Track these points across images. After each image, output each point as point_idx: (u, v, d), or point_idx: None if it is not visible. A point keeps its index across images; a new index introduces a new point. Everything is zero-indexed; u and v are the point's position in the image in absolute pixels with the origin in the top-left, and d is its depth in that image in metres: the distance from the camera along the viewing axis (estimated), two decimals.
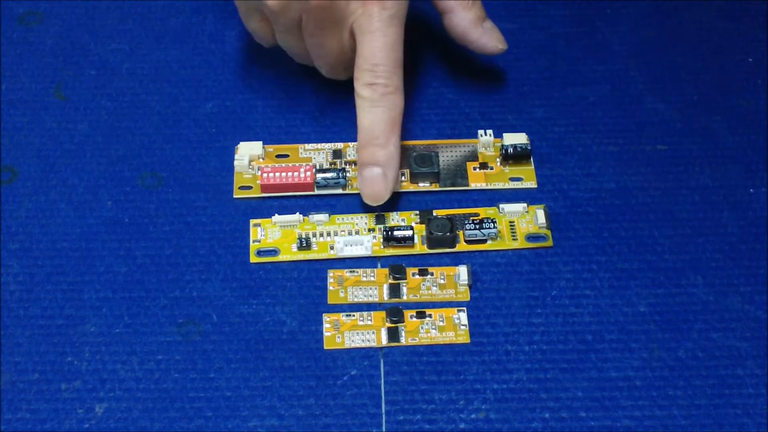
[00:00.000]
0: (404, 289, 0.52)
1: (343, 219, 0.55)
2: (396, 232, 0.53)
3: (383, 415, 0.49)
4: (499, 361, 0.50)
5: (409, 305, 0.52)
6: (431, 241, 0.54)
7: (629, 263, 0.53)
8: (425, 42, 0.62)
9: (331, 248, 0.54)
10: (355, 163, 0.56)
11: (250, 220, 0.55)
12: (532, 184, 0.56)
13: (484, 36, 0.57)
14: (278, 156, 0.57)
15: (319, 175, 0.55)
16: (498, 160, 0.57)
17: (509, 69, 0.60)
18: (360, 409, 0.49)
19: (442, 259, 0.54)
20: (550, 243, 0.54)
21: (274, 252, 0.54)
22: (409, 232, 0.53)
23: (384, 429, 0.48)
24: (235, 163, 0.56)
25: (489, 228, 0.53)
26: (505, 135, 0.57)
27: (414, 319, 0.51)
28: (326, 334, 0.51)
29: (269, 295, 0.52)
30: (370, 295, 0.52)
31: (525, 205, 0.55)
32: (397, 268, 0.53)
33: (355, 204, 0.55)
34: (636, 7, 0.63)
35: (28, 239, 0.54)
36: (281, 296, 0.52)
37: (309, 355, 0.50)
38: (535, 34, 0.62)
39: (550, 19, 0.63)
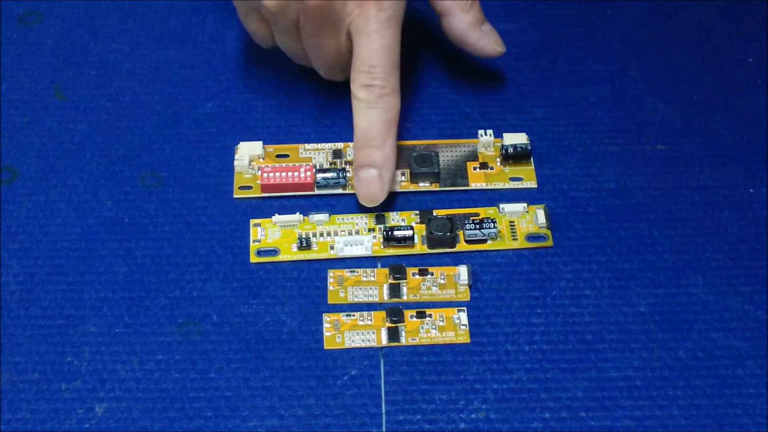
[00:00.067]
0: (404, 289, 0.52)
1: (343, 219, 0.55)
2: (396, 232, 0.53)
3: (383, 415, 0.49)
4: (499, 361, 0.50)
5: (409, 305, 0.52)
6: (431, 241, 0.54)
7: (629, 263, 0.53)
8: (425, 42, 0.62)
9: (331, 248, 0.54)
10: None
11: (250, 220, 0.55)
12: (532, 184, 0.56)
13: (483, 39, 0.57)
14: (278, 156, 0.57)
15: (319, 175, 0.55)
16: (498, 160, 0.57)
17: (509, 69, 0.60)
18: (360, 409, 0.49)
19: (442, 259, 0.54)
20: (550, 243, 0.54)
21: (274, 252, 0.54)
22: (409, 232, 0.53)
23: (384, 429, 0.48)
24: (235, 163, 0.56)
25: (489, 228, 0.53)
26: (505, 135, 0.57)
27: (414, 319, 0.51)
28: (326, 334, 0.51)
29: (269, 295, 0.52)
30: (370, 295, 0.52)
31: (525, 205, 0.55)
32: (397, 268, 0.53)
33: (355, 204, 0.55)
34: (636, 7, 0.63)
35: (28, 239, 0.54)
36: (281, 296, 0.52)
37: (309, 355, 0.50)
38: (535, 34, 0.62)
39: (550, 19, 0.63)
